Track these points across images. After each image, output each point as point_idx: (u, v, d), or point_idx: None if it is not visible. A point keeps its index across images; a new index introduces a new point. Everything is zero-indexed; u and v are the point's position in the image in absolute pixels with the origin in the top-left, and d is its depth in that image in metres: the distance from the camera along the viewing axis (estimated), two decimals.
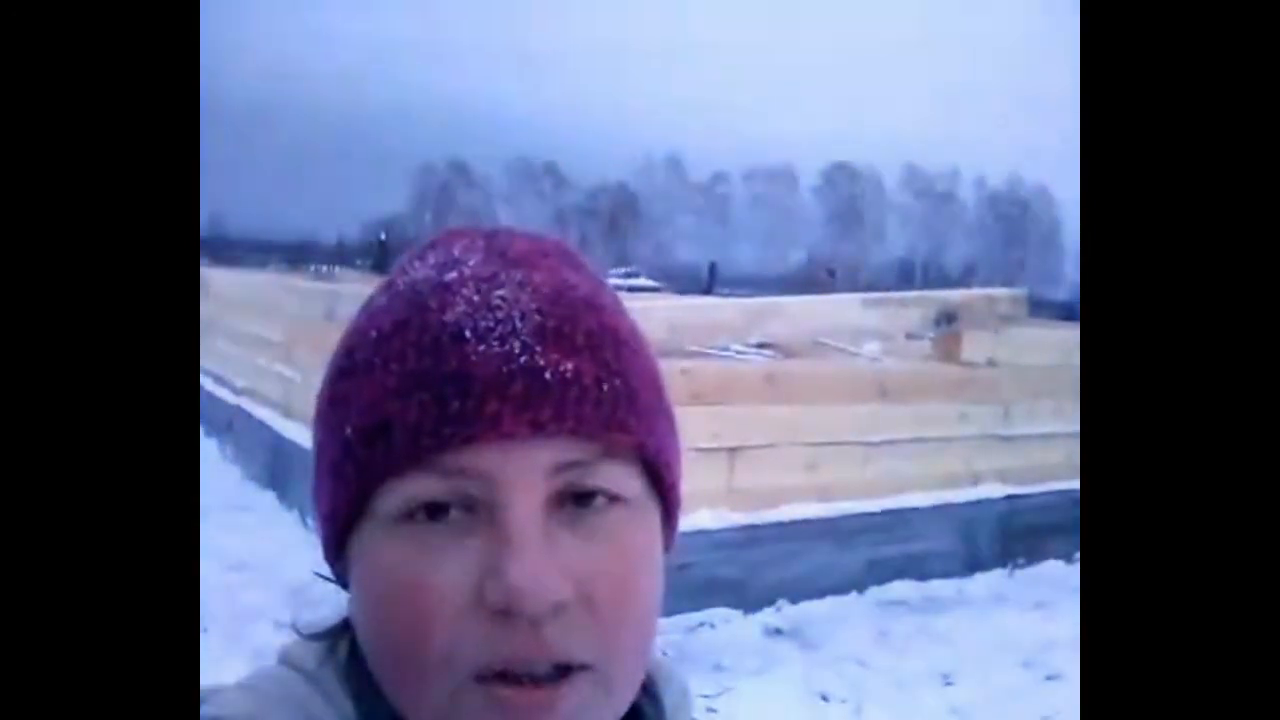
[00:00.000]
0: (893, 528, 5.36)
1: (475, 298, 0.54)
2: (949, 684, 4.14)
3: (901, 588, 5.31)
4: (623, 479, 0.54)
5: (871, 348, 6.50)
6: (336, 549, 0.57)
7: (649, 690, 0.63)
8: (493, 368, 0.51)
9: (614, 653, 0.53)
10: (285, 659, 0.60)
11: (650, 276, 34.46)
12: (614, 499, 0.54)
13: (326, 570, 0.61)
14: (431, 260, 0.58)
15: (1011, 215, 73.74)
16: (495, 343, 0.52)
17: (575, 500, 0.53)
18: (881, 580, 5.29)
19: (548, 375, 0.51)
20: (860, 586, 5.21)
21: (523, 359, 0.51)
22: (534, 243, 0.59)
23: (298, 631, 0.61)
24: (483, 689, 0.51)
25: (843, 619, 4.86)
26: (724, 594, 4.72)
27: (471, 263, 0.56)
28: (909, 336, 6.54)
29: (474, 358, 0.51)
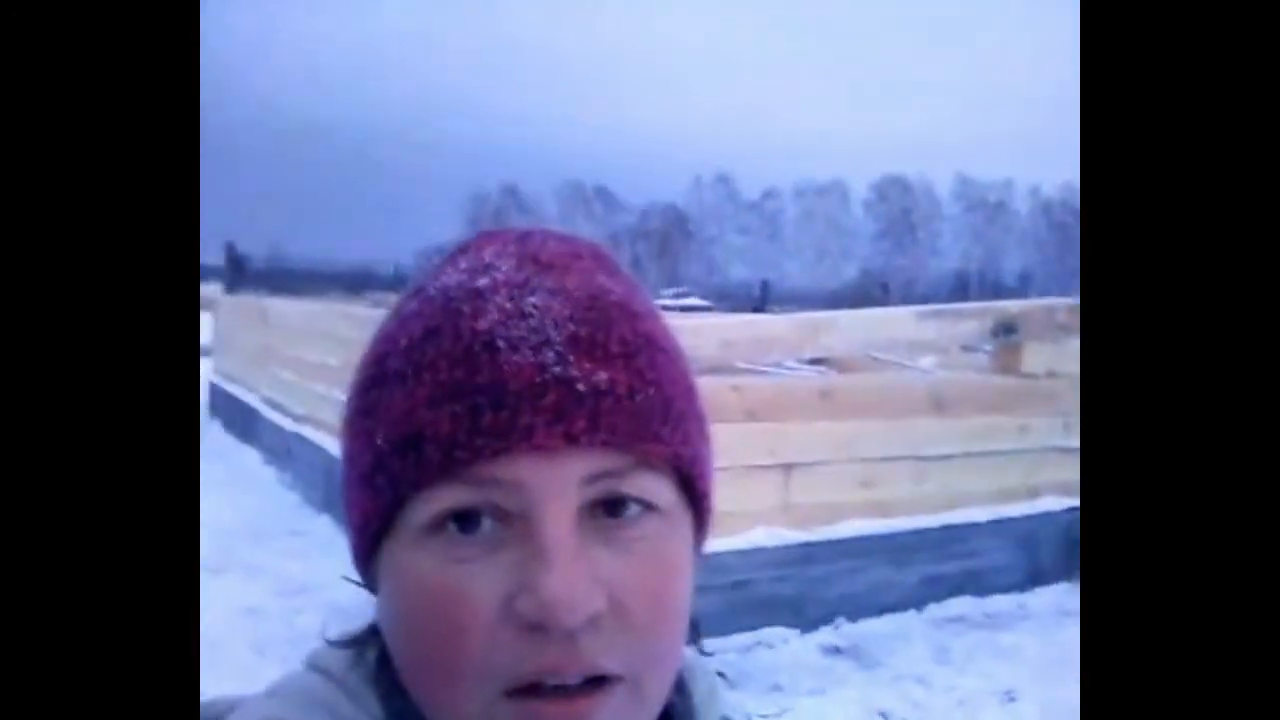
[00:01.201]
0: (951, 543, 5.28)
1: (508, 305, 0.53)
2: (1012, 700, 4.05)
3: (961, 604, 5.22)
4: (655, 488, 0.54)
5: (927, 361, 6.43)
6: (367, 558, 0.57)
7: (679, 686, 0.62)
8: (526, 378, 0.51)
9: (647, 662, 0.53)
10: (314, 664, 0.60)
11: (702, 296, 34.40)
12: (647, 507, 0.53)
13: (356, 575, 0.61)
14: (463, 265, 0.57)
15: (1066, 223, 72.61)
16: (528, 352, 0.51)
17: (608, 509, 0.53)
18: (940, 597, 5.21)
19: (581, 386, 0.51)
20: (919, 604, 5.13)
21: (556, 369, 0.51)
22: (567, 245, 0.59)
23: (327, 640, 0.61)
24: (515, 702, 0.51)
25: (902, 636, 4.79)
26: (781, 612, 4.68)
27: (504, 268, 0.56)
28: (964, 349, 6.45)
29: (506, 368, 0.51)
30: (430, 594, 0.51)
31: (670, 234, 77.45)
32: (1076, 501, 5.75)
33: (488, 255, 0.57)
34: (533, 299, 0.53)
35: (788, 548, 4.71)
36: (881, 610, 4.97)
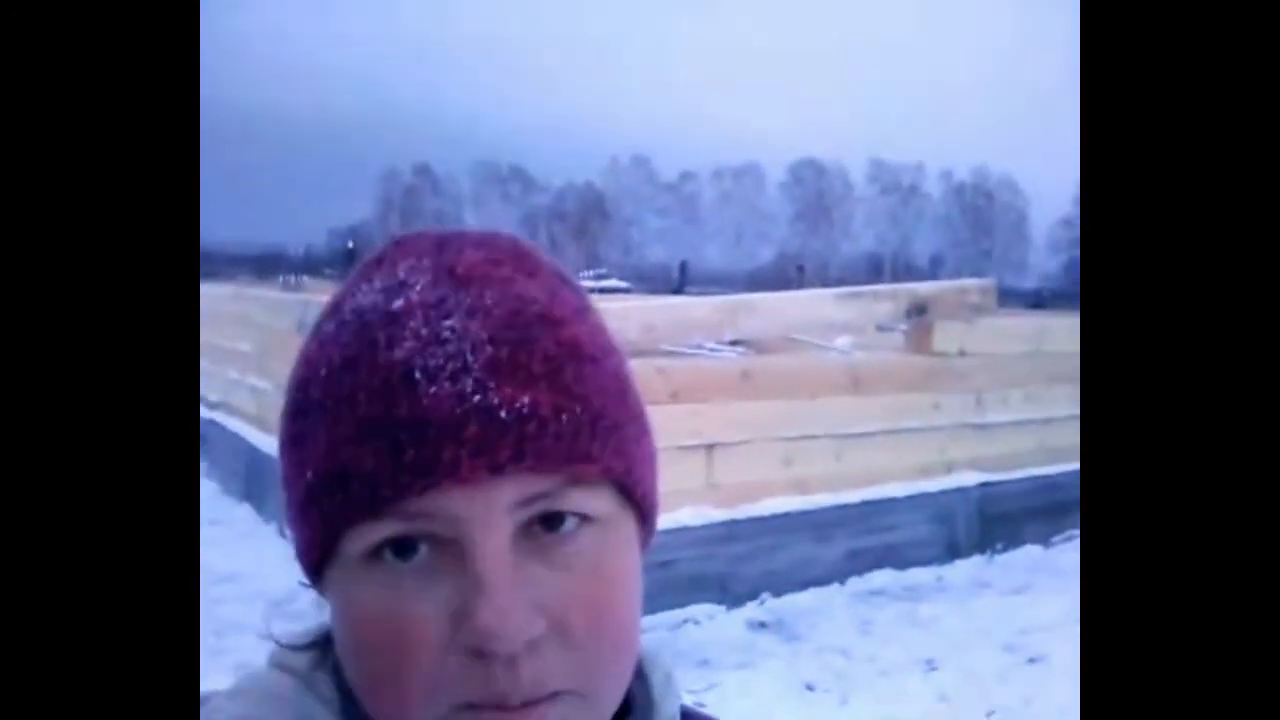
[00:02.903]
0: (870, 518, 5.41)
1: (424, 330, 0.52)
2: (933, 669, 4.19)
3: (881, 577, 5.37)
4: (591, 501, 0.53)
5: (843, 342, 6.56)
6: (313, 579, 0.57)
7: (637, 673, 0.62)
8: (445, 410, 0.50)
9: (595, 676, 0.53)
10: (278, 662, 0.60)
11: (621, 277, 34.44)
12: (584, 519, 0.53)
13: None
14: (378, 283, 0.55)
15: (978, 206, 74.35)
16: (446, 382, 0.50)
17: (544, 524, 0.52)
18: (861, 571, 5.35)
19: (503, 413, 0.50)
20: (841, 578, 5.25)
21: (476, 398, 0.50)
22: (485, 251, 0.56)
23: (277, 641, 0.61)
24: (464, 715, 0.51)
25: (825, 610, 4.90)
26: (707, 590, 4.75)
27: (419, 286, 0.54)
28: (879, 329, 6.60)
29: (425, 400, 0.50)
30: (373, 621, 0.52)
31: (587, 215, 77.28)
32: (988, 477, 5.95)
33: (402, 271, 0.55)
34: (449, 321, 0.52)
35: (712, 526, 4.78)
36: (804, 585, 5.09)
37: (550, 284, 0.57)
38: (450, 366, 0.50)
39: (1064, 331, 6.80)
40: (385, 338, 0.52)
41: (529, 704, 0.51)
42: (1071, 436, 6.56)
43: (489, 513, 0.50)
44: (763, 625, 4.74)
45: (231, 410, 7.36)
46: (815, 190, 75.03)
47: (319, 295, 9.01)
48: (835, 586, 5.19)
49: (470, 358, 0.51)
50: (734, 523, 4.87)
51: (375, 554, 0.51)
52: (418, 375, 0.50)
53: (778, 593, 4.99)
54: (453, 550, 0.51)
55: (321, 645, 0.60)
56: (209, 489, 6.92)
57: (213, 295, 9.84)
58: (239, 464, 6.75)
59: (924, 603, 5.07)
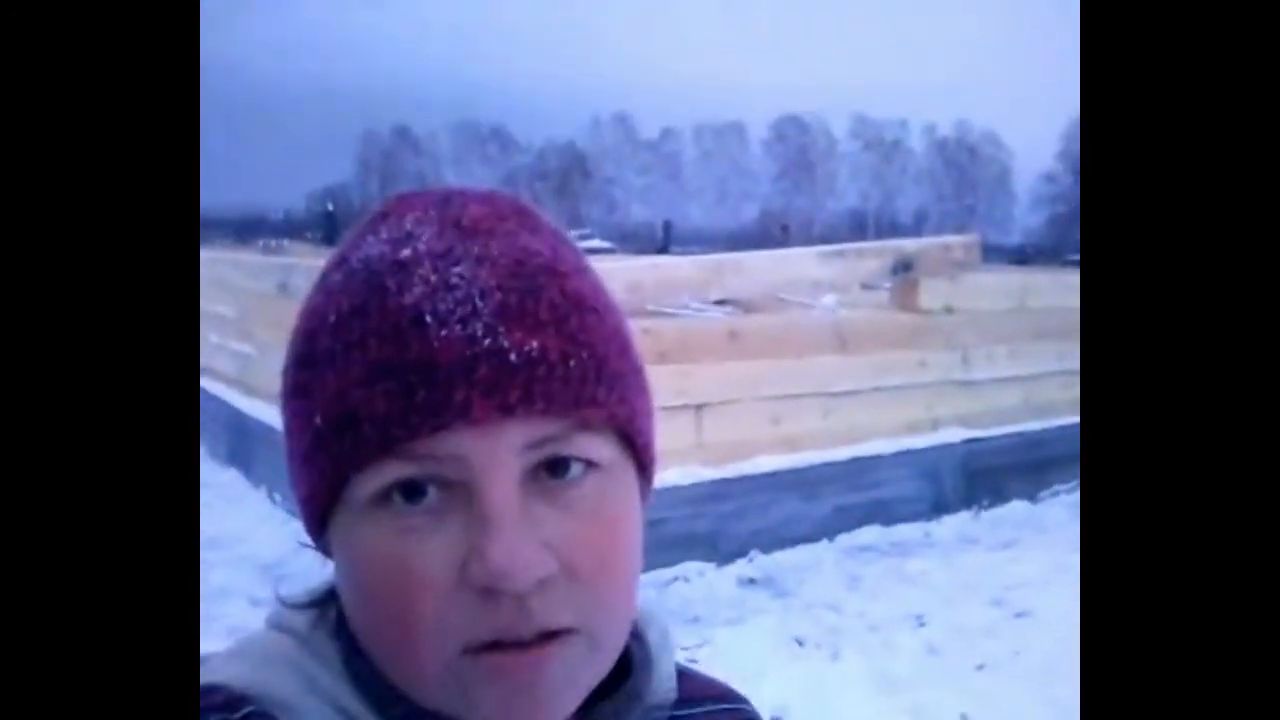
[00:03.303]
0: (858, 475, 5.44)
1: (433, 277, 0.53)
2: (922, 624, 4.22)
3: (869, 533, 5.40)
4: (596, 447, 0.54)
5: (828, 300, 6.56)
6: (317, 530, 0.57)
7: (634, 633, 0.63)
8: (456, 352, 0.51)
9: (599, 614, 0.54)
10: (277, 623, 0.60)
11: (604, 237, 34.30)
12: (589, 465, 0.54)
13: (308, 539, 0.61)
14: (385, 234, 0.56)
15: (961, 162, 74.24)
16: (457, 326, 0.51)
17: (550, 469, 0.53)
18: (849, 527, 5.38)
19: (513, 356, 0.51)
20: (829, 534, 5.29)
21: (486, 341, 0.51)
22: (489, 206, 0.58)
23: (282, 601, 0.62)
24: (472, 658, 0.52)
25: (814, 566, 4.94)
26: (697, 548, 4.78)
27: (425, 237, 0.55)
28: (864, 287, 6.59)
29: (436, 343, 0.51)
30: (382, 565, 0.52)
31: (569, 174, 76.81)
32: (974, 433, 5.98)
33: (409, 223, 0.56)
34: (458, 269, 0.53)
35: (701, 485, 4.79)
36: (793, 542, 5.12)
37: (551, 240, 0.58)
38: (460, 311, 0.51)
39: (1048, 287, 6.81)
40: (395, 284, 0.53)
41: (540, 639, 0.51)
42: (1056, 392, 6.60)
43: (498, 454, 0.51)
44: (752, 582, 4.77)
45: (214, 375, 7.30)
46: (798, 147, 74.70)
47: (301, 259, 8.94)
48: (824, 543, 5.22)
49: (480, 303, 0.52)
50: (723, 481, 4.88)
51: (383, 498, 0.52)
52: (428, 319, 0.51)
53: (767, 550, 5.02)
54: (461, 493, 0.51)
55: (320, 605, 0.60)
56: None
57: None
58: (223, 429, 6.72)
59: (912, 558, 5.11)
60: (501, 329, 0.51)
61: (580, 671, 0.54)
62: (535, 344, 0.52)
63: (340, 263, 0.57)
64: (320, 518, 0.56)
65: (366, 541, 0.53)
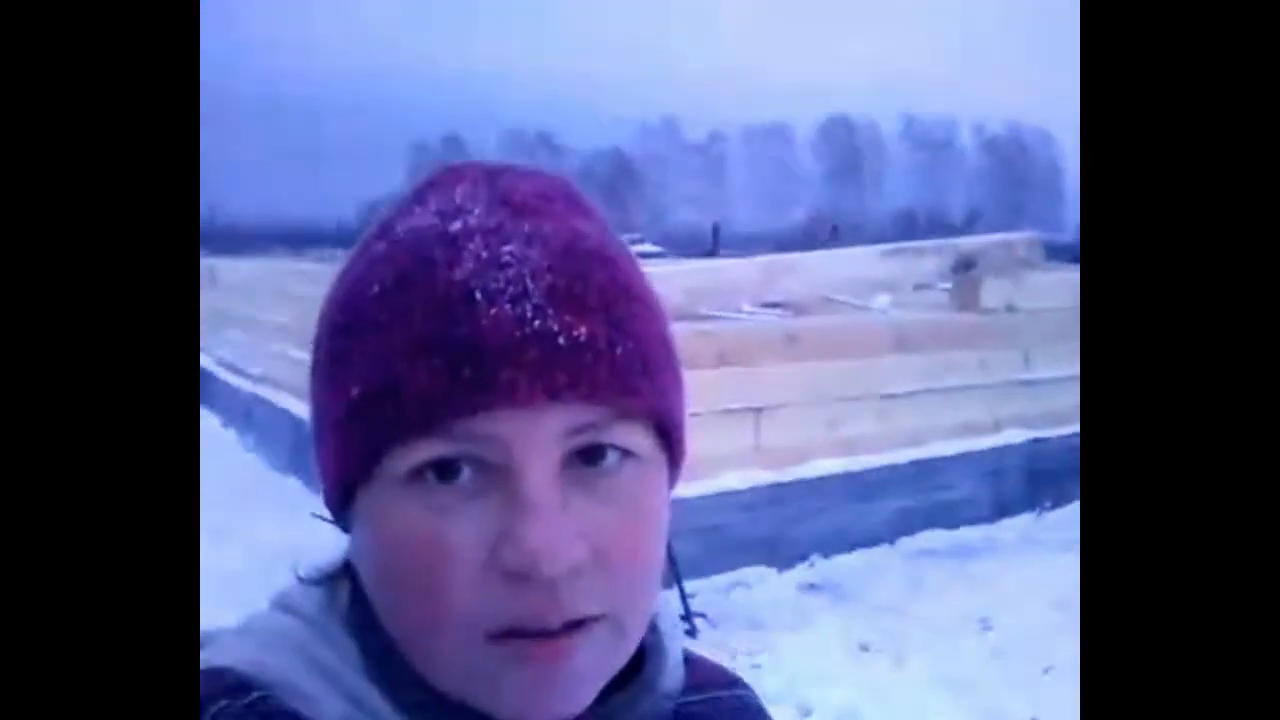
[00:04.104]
0: (918, 478, 5.37)
1: (483, 254, 0.52)
2: (987, 628, 4.16)
3: (931, 537, 5.34)
4: (634, 438, 0.53)
5: (881, 301, 6.49)
6: (341, 503, 0.56)
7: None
8: (505, 332, 0.50)
9: (627, 603, 0.53)
10: (283, 604, 0.59)
11: (653, 242, 34.29)
12: (625, 454, 0.53)
13: (325, 512, 0.60)
14: (433, 206, 0.55)
15: (1012, 159, 73.24)
16: (507, 305, 0.50)
17: (586, 458, 0.52)
18: (911, 531, 5.32)
19: (561, 340, 0.50)
20: (890, 538, 5.23)
21: (536, 323, 0.50)
22: (539, 185, 0.57)
23: (299, 578, 0.61)
24: (497, 643, 0.51)
25: (876, 570, 4.89)
26: (756, 553, 4.75)
27: (476, 212, 0.54)
28: (917, 287, 6.52)
29: (485, 321, 0.50)
30: (411, 543, 0.51)
31: (617, 180, 77.02)
32: (1037, 434, 5.88)
33: (458, 196, 0.55)
34: (509, 247, 0.52)
35: (760, 489, 4.76)
36: (853, 546, 5.07)
37: (600, 223, 0.57)
38: (510, 290, 0.50)
39: None
40: (444, 257, 0.52)
41: (566, 628, 0.51)
42: None
43: (539, 438, 0.50)
44: (813, 587, 4.73)
45: (274, 383, 7.41)
46: (847, 148, 74.20)
47: None
48: (885, 547, 5.16)
49: (530, 283, 0.51)
50: (781, 485, 4.85)
51: (417, 475, 0.51)
52: (478, 296, 0.50)
53: (827, 554, 4.97)
54: (497, 475, 0.51)
55: (330, 585, 0.59)
56: (256, 464, 7.00)
57: (249, 269, 9.89)
58: (283, 437, 6.81)
59: (974, 561, 5.04)
60: (551, 311, 0.50)
61: (604, 660, 0.54)
62: (584, 329, 0.51)
63: (384, 232, 0.56)
64: (346, 491, 0.54)
65: (396, 518, 0.51)
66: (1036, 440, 5.95)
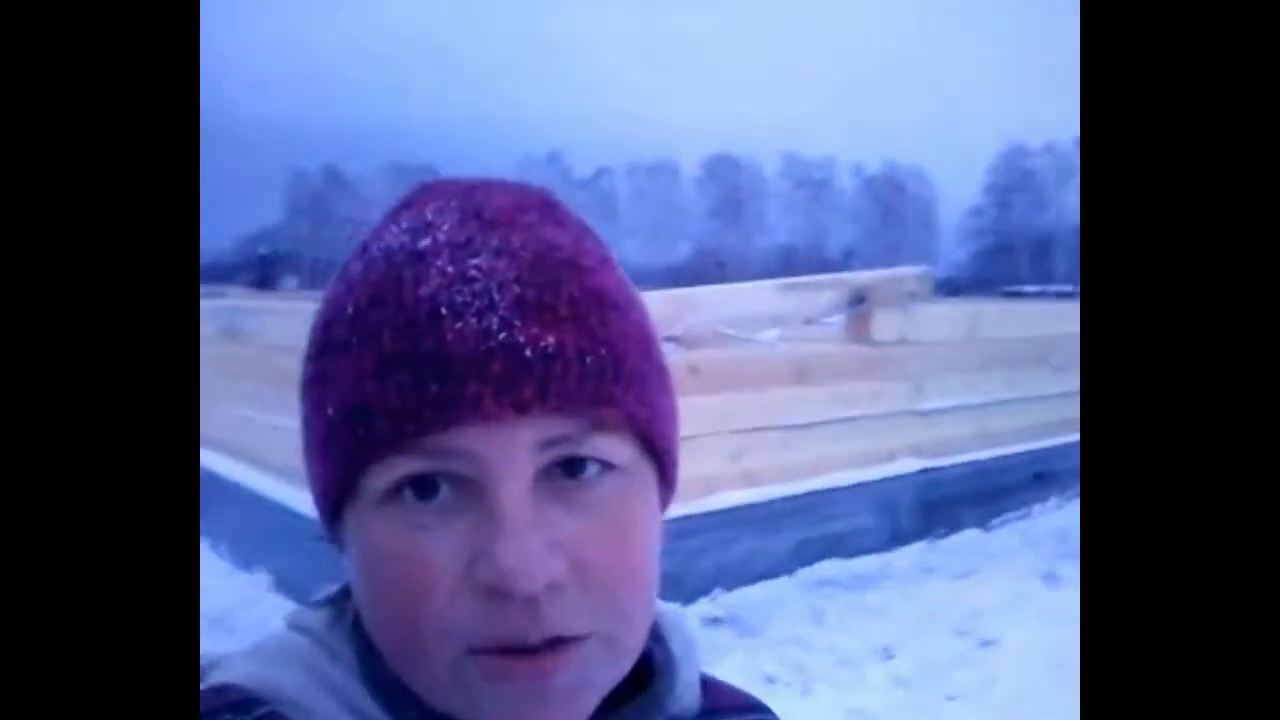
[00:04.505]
0: (817, 509, 5.43)
1: (450, 269, 0.52)
2: (890, 657, 4.20)
3: (829, 567, 5.39)
4: (613, 448, 0.53)
5: (770, 335, 6.57)
6: (332, 522, 0.56)
7: (656, 636, 0.63)
8: (471, 347, 0.49)
9: (616, 618, 0.52)
10: (294, 624, 0.60)
11: None
12: (606, 466, 0.52)
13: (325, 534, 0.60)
14: (405, 223, 0.55)
15: (888, 198, 75.66)
16: (473, 319, 0.50)
17: (566, 469, 0.52)
18: (809, 561, 5.36)
19: (528, 352, 0.50)
20: (790, 569, 5.26)
21: (501, 335, 0.50)
22: (513, 197, 0.56)
23: (309, 601, 0.62)
24: (480, 660, 0.51)
25: (778, 602, 4.90)
26: (663, 587, 4.70)
27: (446, 227, 0.54)
28: (807, 322, 6.63)
29: (450, 336, 0.50)
30: (390, 560, 0.51)
31: None
32: (929, 463, 6.02)
33: (429, 213, 0.55)
34: (476, 261, 0.52)
35: (667, 522, 4.72)
36: (756, 578, 5.08)
37: (576, 233, 0.56)
38: (476, 304, 0.50)
39: (997, 317, 6.92)
40: (411, 275, 0.52)
41: (551, 645, 0.50)
42: (1005, 421, 6.69)
43: (511, 452, 0.50)
44: (717, 620, 4.71)
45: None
46: (730, 185, 75.57)
47: (243, 300, 8.74)
48: (785, 578, 5.19)
49: (496, 296, 0.51)
50: (686, 518, 4.83)
51: (395, 492, 0.51)
52: (443, 311, 0.50)
53: (729, 587, 4.97)
54: (473, 490, 0.50)
55: (338, 605, 0.60)
56: None
57: None
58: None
59: (873, 590, 5.10)
60: (517, 323, 0.50)
61: (595, 676, 0.53)
62: (551, 340, 0.50)
63: (361, 252, 0.56)
64: (334, 510, 0.55)
65: (376, 536, 0.51)
66: (928, 469, 6.09)
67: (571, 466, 0.52)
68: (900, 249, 70.78)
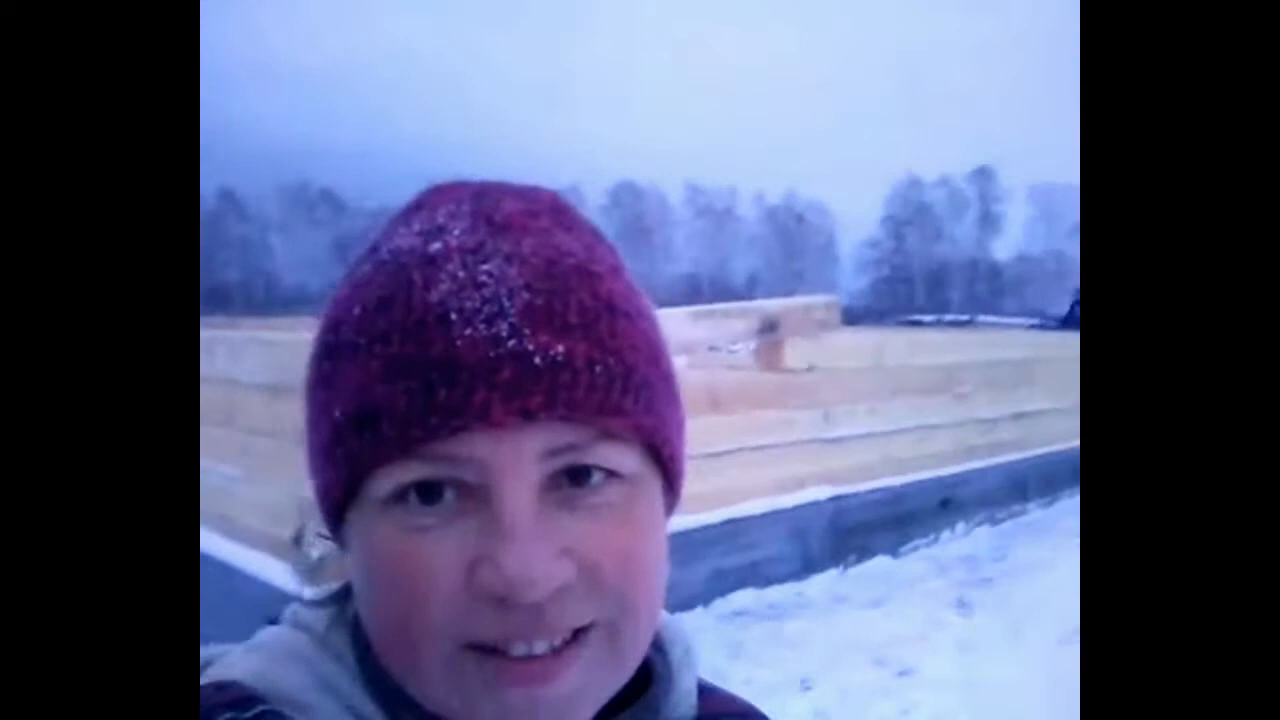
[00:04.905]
0: (733, 537, 5.38)
1: (460, 274, 0.51)
2: (808, 688, 4.16)
3: (743, 597, 5.34)
4: (620, 457, 0.52)
5: (679, 361, 6.54)
6: (335, 523, 0.56)
7: (657, 644, 0.63)
8: (480, 353, 0.49)
9: (621, 612, 0.52)
10: (293, 622, 0.59)
11: None
12: (611, 474, 0.52)
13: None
14: (416, 226, 0.55)
15: (788, 228, 77.03)
16: (482, 325, 0.49)
17: (571, 477, 0.51)
18: (725, 591, 5.30)
19: (537, 360, 0.49)
20: (706, 600, 5.19)
21: (511, 343, 0.49)
22: (524, 202, 0.56)
23: (307, 599, 0.61)
24: (476, 659, 0.50)
25: (694, 633, 4.80)
26: None
27: (457, 231, 0.53)
28: (711, 349, 6.61)
29: (460, 342, 0.49)
30: (392, 560, 0.51)
31: None
32: (839, 490, 6.03)
33: (441, 216, 0.55)
34: (486, 266, 0.51)
35: None
36: (672, 609, 4.96)
37: (587, 240, 0.56)
38: (486, 310, 0.50)
39: (903, 346, 7.01)
40: (422, 279, 0.52)
41: (554, 652, 0.50)
42: (913, 448, 6.76)
43: (517, 459, 0.49)
44: None
45: None
46: (633, 213, 76.01)
47: None
48: (700, 609, 5.12)
49: (506, 303, 0.50)
50: None
51: (400, 497, 0.51)
52: (453, 317, 0.50)
53: None
54: (479, 497, 0.50)
55: (339, 604, 0.60)
56: None
57: None
58: None
59: (788, 620, 5.06)
60: (527, 331, 0.50)
61: (598, 678, 0.53)
62: (561, 348, 0.50)
63: (370, 254, 0.56)
64: (337, 511, 0.54)
65: (379, 538, 0.51)
66: (839, 497, 6.10)
67: (577, 475, 0.51)
68: (802, 278, 72.12)
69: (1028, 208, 73.20)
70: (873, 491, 6.34)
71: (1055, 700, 3.85)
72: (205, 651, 0.58)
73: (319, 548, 3.94)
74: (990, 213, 72.69)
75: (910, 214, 73.78)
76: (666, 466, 0.56)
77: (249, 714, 0.52)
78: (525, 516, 0.49)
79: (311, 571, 3.80)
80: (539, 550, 0.49)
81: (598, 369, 0.51)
